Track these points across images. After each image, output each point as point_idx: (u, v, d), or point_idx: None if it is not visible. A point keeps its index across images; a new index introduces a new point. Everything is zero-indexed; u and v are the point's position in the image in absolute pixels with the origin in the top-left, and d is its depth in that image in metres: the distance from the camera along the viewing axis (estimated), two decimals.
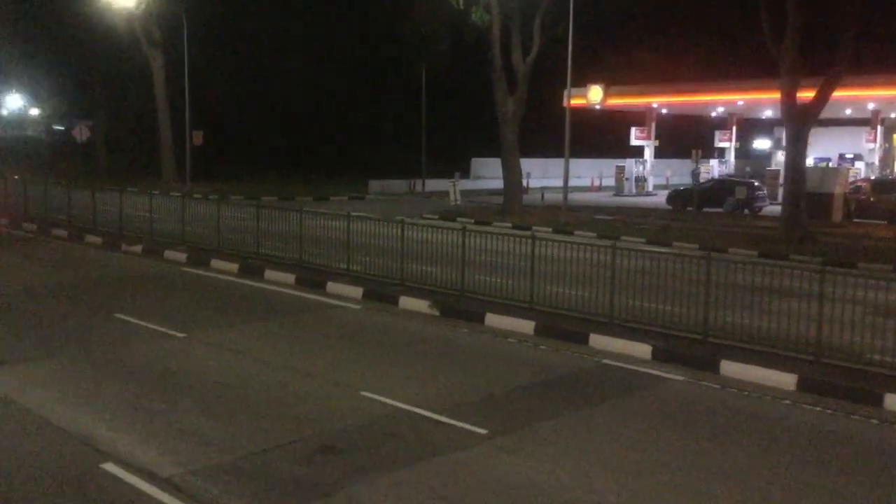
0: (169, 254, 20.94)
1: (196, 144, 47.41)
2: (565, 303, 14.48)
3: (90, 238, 23.63)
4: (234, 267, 19.12)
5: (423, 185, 46.32)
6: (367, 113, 57.15)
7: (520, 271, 15.42)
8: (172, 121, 48.23)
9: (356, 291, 16.49)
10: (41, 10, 51.49)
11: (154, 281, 18.16)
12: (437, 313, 15.00)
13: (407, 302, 15.58)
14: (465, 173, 46.89)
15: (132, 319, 14.16)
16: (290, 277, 17.86)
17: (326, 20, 56.61)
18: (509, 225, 31.57)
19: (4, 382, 10.72)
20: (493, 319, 14.42)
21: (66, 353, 12.15)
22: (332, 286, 16.98)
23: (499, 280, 15.59)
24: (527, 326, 13.92)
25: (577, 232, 29.41)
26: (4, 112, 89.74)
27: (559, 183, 47.17)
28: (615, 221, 32.66)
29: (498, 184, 47.12)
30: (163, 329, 13.55)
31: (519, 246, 15.56)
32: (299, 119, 58.61)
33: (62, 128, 77.09)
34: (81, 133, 55.33)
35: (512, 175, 35.27)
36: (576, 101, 46.00)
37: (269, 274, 18.30)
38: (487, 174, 49.13)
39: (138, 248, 21.83)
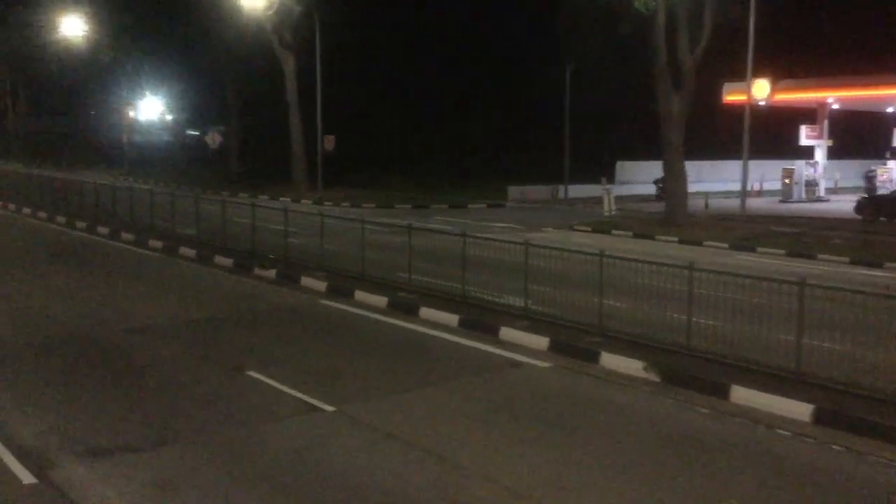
0: (306, 281, 17.89)
1: (328, 149, 45.10)
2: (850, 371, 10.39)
3: (220, 259, 20.91)
4: (382, 302, 15.83)
5: (566, 191, 42.40)
6: (504, 114, 53.61)
7: (762, 315, 11.44)
8: (303, 125, 46.08)
9: (540, 342, 12.84)
10: (175, 15, 50.33)
11: (291, 319, 15.07)
12: (656, 379, 11.20)
13: (612, 361, 11.82)
14: (608, 177, 42.63)
15: (268, 381, 11.02)
16: (451, 318, 14.38)
17: (462, 18, 53.45)
18: (675, 239, 27.42)
19: (96, 490, 7.67)
20: (743, 395, 10.40)
21: (183, 437, 9.07)
22: (506, 332, 13.40)
23: (739, 328, 11.58)
24: (800, 411, 9.84)
25: (759, 248, 25.03)
26: (140, 118, 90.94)
27: (716, 187, 42.65)
28: (800, 235, 27.94)
29: (646, 189, 42.81)
30: (306, 398, 10.34)
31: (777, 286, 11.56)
32: (432, 122, 55.67)
33: (195, 133, 76.99)
34: (214, 139, 54.18)
35: (676, 181, 30.98)
36: (734, 98, 41.22)
37: (427, 313, 14.88)
38: (634, 179, 44.81)
39: (272, 273, 18.90)
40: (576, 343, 12.50)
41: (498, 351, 12.73)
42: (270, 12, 42.46)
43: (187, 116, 68.74)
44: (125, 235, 25.28)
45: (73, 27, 58.37)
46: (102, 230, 26.73)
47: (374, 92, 54.63)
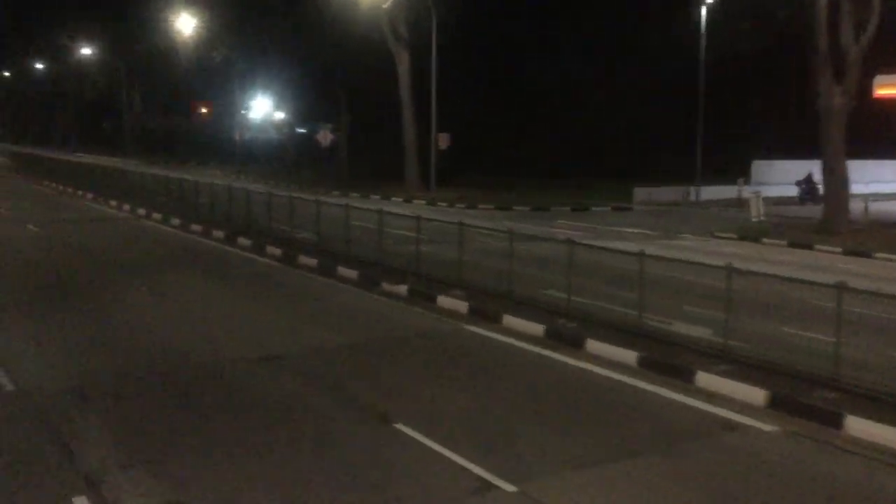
0: (443, 301, 15.68)
1: (441, 148, 43.08)
2: None
3: (343, 270, 18.94)
4: (538, 330, 13.44)
5: (698, 193, 39.14)
6: (627, 110, 50.46)
7: None
8: (417, 123, 44.20)
9: (753, 394, 10.17)
10: (289, 11, 49.22)
11: (433, 350, 12.85)
12: None
13: (862, 427, 9.10)
14: (733, 177, 39.16)
15: (424, 440, 8.84)
16: (627, 355, 11.87)
17: (583, 12, 50.53)
18: (838, 249, 24.18)
19: None
20: None
21: None
22: (704, 378, 10.82)
23: None
24: None
25: None
26: (251, 116, 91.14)
27: (870, 189, 38.49)
28: None
29: (783, 191, 39.15)
30: (478, 470, 8.08)
31: None
32: (550, 119, 52.98)
33: (302, 131, 76.37)
34: (325, 137, 52.91)
35: (836, 183, 27.55)
36: (886, 91, 37.19)
37: (595, 346, 12.41)
38: (770, 180, 41.09)
39: (402, 289, 16.78)
40: (805, 399, 9.80)
41: (699, 404, 10.17)
42: (386, 6, 40.69)
43: (296, 114, 67.79)
44: (242, 241, 23.73)
45: (187, 24, 58.27)
46: (218, 234, 25.30)
47: (491, 89, 52.30)
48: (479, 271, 16.43)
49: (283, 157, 64.28)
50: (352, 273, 18.55)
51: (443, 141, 43.05)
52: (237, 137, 62.98)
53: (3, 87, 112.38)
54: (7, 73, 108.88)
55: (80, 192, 39.77)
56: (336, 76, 52.27)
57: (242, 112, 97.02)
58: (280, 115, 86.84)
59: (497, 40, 51.16)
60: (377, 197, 40.18)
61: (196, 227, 26.76)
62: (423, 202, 38.25)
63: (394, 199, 39.40)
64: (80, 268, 20.54)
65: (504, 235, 16.17)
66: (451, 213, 33.63)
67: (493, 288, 15.59)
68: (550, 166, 48.84)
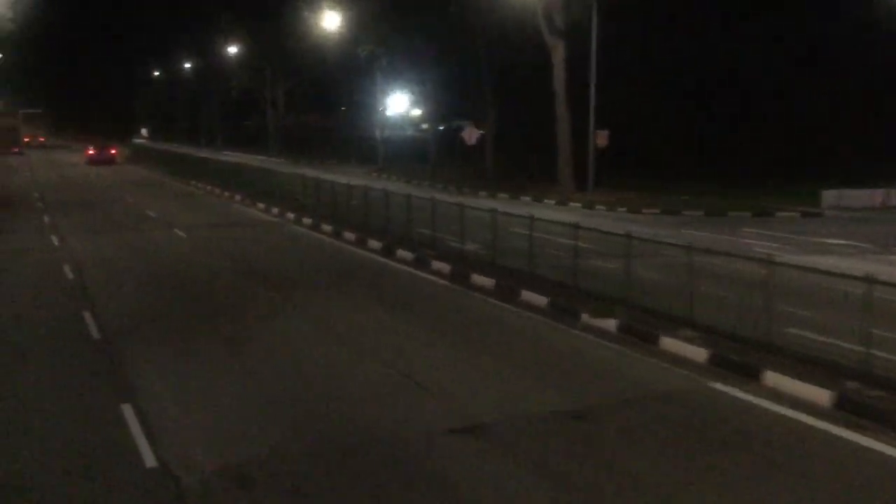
0: (669, 343, 12.29)
1: (600, 146, 39.46)
2: None
3: (528, 295, 15.83)
4: (823, 397, 9.87)
5: None
6: (809, 105, 45.24)
7: None
8: (571, 120, 40.69)
9: None
10: (434, 3, 46.64)
11: (687, 425, 9.46)
12: None
13: None
14: None
15: None
16: None
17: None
18: None
19: None
20: None
21: None
22: None
23: None
24: None
25: None
26: (389, 113, 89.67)
27: None
28: None
29: None
30: None
31: None
32: (719, 114, 48.30)
33: (441, 128, 74.05)
34: (471, 135, 50.10)
35: None
36: None
37: None
38: None
39: (610, 324, 13.50)
40: None
41: None
42: None
43: (434, 111, 65.32)
44: (401, 252, 21.05)
45: (332, 21, 56.78)
46: (373, 243, 22.76)
47: (655, 83, 48.03)
48: (707, 303, 12.97)
49: (422, 155, 62.01)
50: (539, 300, 15.43)
51: (601, 139, 39.41)
52: (378, 135, 61.05)
53: (155, 88, 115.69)
54: (157, 73, 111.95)
55: (226, 193, 38.41)
56: (484, 70, 49.34)
57: (381, 109, 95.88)
58: (416, 112, 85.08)
59: (662, 30, 46.80)
60: (527, 199, 37.11)
61: (349, 235, 24.33)
62: (579, 205, 35.00)
63: (546, 201, 36.31)
64: (227, 281, 18.37)
65: (769, 267, 12.63)
66: (614, 218, 30.18)
67: (734, 329, 12.10)
68: (721, 165, 44.17)
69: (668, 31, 46.77)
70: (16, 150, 75.73)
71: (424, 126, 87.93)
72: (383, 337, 13.35)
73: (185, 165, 53.82)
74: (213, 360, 12.01)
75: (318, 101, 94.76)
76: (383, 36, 55.39)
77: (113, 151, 66.60)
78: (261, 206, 32.90)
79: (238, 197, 36.44)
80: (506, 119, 50.87)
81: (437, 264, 19.17)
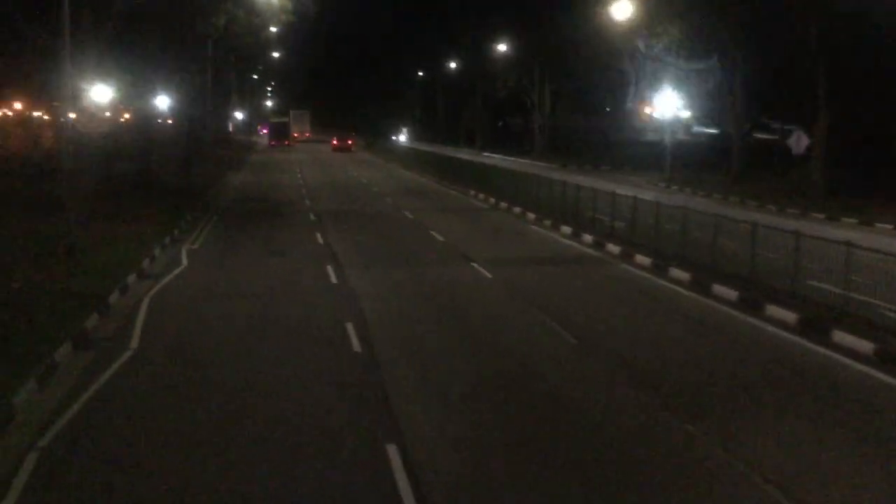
0: None
1: None
2: None
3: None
4: None
5: None
6: None
7: None
8: None
9: None
10: None
11: None
12: None
13: None
14: None
15: None
16: None
17: None
18: None
19: None
20: None
21: None
22: None
23: None
24: None
25: None
26: (656, 115, 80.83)
27: None
28: None
29: None
30: None
31: None
32: None
33: (745, 131, 64.07)
34: (799, 142, 40.36)
35: None
36: None
37: None
38: None
39: None
40: None
41: None
42: None
43: (745, 112, 55.22)
44: (773, 310, 13.35)
45: (623, 11, 49.08)
46: (723, 291, 15.23)
47: None
48: None
49: (707, 163, 52.81)
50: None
51: None
52: (668, 140, 52.65)
53: (419, 88, 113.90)
54: (421, 74, 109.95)
55: (516, 209, 31.92)
56: (816, 59, 39.30)
57: (647, 111, 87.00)
58: (686, 114, 75.51)
59: None
60: (889, 226, 27.54)
61: (721, 289, 16.68)
62: None
63: None
64: (589, 381, 11.46)
65: None
66: None
67: None
68: None
69: None
70: (286, 142, 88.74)
71: (695, 129, 78.44)
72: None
73: (456, 170, 48.55)
74: None
75: (582, 101, 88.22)
76: (682, 27, 47.16)
77: (349, 142, 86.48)
78: (566, 231, 25.97)
79: (531, 215, 29.81)
80: (844, 120, 40.42)
81: (844, 336, 11.27)
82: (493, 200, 35.12)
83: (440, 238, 24.74)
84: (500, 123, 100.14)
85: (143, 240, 22.28)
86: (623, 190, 27.50)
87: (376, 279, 18.62)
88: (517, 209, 31.55)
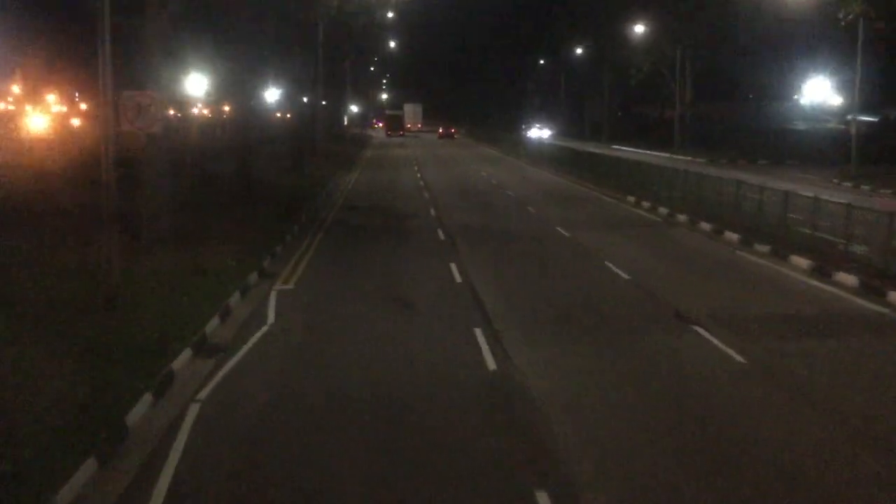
0: None
1: None
2: None
3: None
4: None
5: None
6: None
7: None
8: None
9: None
10: None
11: None
12: None
13: None
14: None
15: None
16: None
17: None
18: None
19: None
20: None
21: None
22: None
23: None
24: None
25: None
26: (804, 102, 70.66)
27: None
28: None
29: None
30: None
31: None
32: None
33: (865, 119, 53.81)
34: None
35: None
36: None
37: None
38: None
39: None
40: None
41: None
42: None
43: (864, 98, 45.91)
44: None
45: None
46: None
47: None
48: None
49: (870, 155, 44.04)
50: None
51: None
52: (853, 130, 43.33)
53: (539, 76, 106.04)
54: (542, 62, 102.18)
55: (679, 217, 24.45)
56: None
57: (795, 98, 76.46)
58: (837, 101, 65.33)
59: None
60: None
61: None
62: None
63: None
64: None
65: None
66: None
67: None
68: None
69: None
70: (400, 133, 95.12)
71: (849, 117, 68.17)
72: None
73: (598, 168, 40.89)
74: None
75: (724, 88, 78.88)
76: None
77: (453, 130, 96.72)
78: (800, 263, 18.01)
79: (732, 235, 21.84)
80: None
81: None
82: (663, 211, 27.24)
83: (623, 275, 17.22)
84: (619, 114, 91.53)
85: (220, 278, 15.97)
86: (812, 192, 20.95)
87: (556, 362, 11.56)
88: (706, 225, 23.60)
